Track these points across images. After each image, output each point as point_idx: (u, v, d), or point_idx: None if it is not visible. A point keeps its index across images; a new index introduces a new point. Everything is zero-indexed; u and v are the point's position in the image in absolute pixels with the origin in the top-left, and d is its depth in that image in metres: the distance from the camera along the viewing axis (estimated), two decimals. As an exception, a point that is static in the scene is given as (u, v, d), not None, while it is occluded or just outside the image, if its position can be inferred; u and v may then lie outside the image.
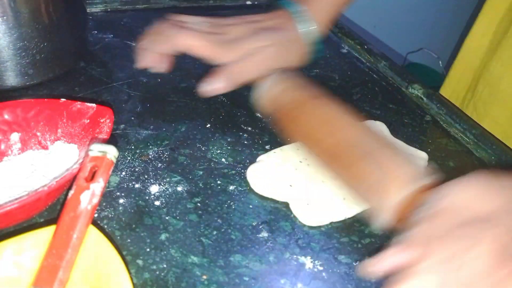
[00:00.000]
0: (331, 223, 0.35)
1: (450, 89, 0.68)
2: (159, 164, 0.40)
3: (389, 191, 0.31)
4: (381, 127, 0.46)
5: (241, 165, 0.40)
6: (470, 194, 0.27)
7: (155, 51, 0.46)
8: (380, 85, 0.56)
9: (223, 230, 0.34)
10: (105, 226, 0.33)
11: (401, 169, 0.32)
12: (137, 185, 0.37)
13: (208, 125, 0.45)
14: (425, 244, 0.25)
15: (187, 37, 0.45)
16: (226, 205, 0.36)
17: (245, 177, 0.39)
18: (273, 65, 0.46)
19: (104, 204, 0.35)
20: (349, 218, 0.36)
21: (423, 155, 0.43)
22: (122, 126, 0.44)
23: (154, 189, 0.37)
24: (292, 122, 0.40)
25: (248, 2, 0.79)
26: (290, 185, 0.37)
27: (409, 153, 0.42)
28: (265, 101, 0.43)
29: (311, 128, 0.38)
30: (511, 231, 0.25)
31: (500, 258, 0.24)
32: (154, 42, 0.46)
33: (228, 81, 0.45)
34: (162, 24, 0.47)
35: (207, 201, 0.36)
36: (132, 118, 0.45)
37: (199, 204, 0.36)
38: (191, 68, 0.56)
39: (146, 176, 0.38)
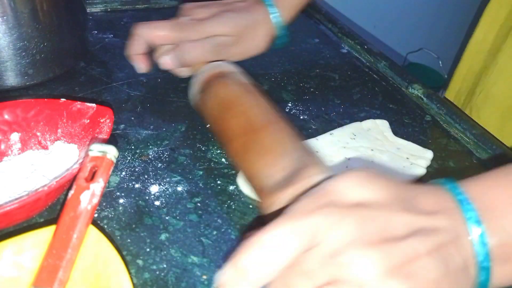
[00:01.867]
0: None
1: (454, 92, 0.68)
2: (159, 164, 0.40)
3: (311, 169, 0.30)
4: (381, 127, 0.46)
5: (241, 165, 0.40)
6: (353, 181, 0.25)
7: (136, 53, 0.48)
8: (380, 85, 0.56)
9: (223, 230, 0.34)
10: (105, 226, 0.33)
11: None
12: (137, 185, 0.37)
13: (208, 125, 0.45)
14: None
15: (150, 29, 0.46)
16: (226, 205, 0.36)
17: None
18: (226, 53, 0.47)
19: (104, 204, 0.35)
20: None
21: (428, 155, 0.43)
22: (122, 126, 0.44)
23: (154, 189, 0.37)
24: (219, 92, 0.40)
25: (248, 2, 0.79)
26: None
27: (413, 152, 0.43)
28: (195, 90, 0.43)
29: (236, 100, 0.38)
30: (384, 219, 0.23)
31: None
32: (131, 45, 0.48)
33: (175, 58, 0.46)
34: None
35: (207, 201, 0.36)
36: (132, 118, 0.46)
37: (199, 204, 0.36)
38: (191, 68, 0.56)
39: (146, 176, 0.38)
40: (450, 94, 0.69)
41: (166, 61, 0.47)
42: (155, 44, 0.47)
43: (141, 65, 0.49)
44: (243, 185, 0.37)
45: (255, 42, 0.50)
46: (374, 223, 0.23)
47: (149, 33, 0.46)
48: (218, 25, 0.46)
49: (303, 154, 0.32)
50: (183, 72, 0.49)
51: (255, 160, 0.33)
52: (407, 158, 0.41)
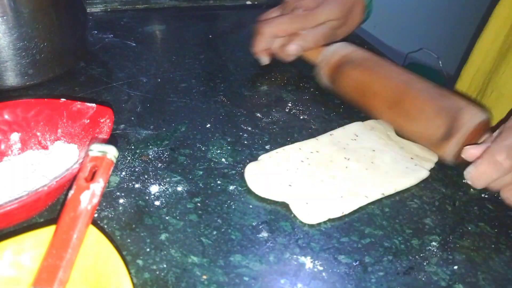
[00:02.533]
0: (329, 220, 0.35)
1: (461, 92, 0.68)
2: (159, 164, 0.40)
3: (465, 114, 0.39)
4: (385, 126, 0.45)
5: (241, 165, 0.40)
6: None
7: (262, 49, 0.55)
8: (380, 85, 0.56)
9: (223, 230, 0.34)
10: (105, 226, 0.33)
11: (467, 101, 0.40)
12: (137, 185, 0.37)
13: (208, 125, 0.45)
14: None
15: (275, 25, 0.53)
16: (226, 205, 0.36)
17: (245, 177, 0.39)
18: (335, 35, 0.56)
19: (104, 204, 0.35)
20: (348, 218, 0.36)
21: (434, 158, 0.42)
22: (122, 126, 0.44)
23: (154, 189, 0.37)
24: (350, 79, 0.48)
25: (248, 2, 0.79)
26: (290, 185, 0.37)
27: (417, 152, 0.42)
28: (328, 66, 0.50)
29: (369, 82, 0.46)
30: None
31: None
32: (258, 43, 0.55)
33: (299, 46, 0.53)
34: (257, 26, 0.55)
35: (207, 201, 0.36)
36: (132, 118, 0.46)
37: (199, 204, 0.36)
38: (191, 68, 0.56)
39: (146, 176, 0.38)
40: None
41: (294, 49, 0.53)
42: (278, 37, 0.54)
43: (266, 59, 0.56)
44: (251, 182, 0.37)
45: (356, 19, 0.58)
46: None
47: (274, 29, 0.53)
48: (329, 13, 0.53)
49: (450, 104, 0.40)
50: (292, 58, 0.55)
51: (410, 127, 0.43)
52: (412, 158, 0.41)
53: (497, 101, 0.60)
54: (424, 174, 0.40)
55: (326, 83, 0.52)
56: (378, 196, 0.37)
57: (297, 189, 0.37)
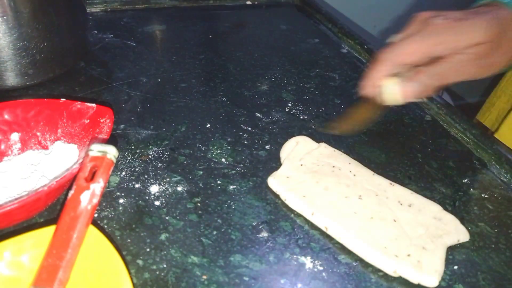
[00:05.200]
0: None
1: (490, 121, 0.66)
2: (159, 164, 0.40)
3: None
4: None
5: (241, 165, 0.40)
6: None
7: (373, 83, 0.40)
8: (380, 85, 0.56)
9: (223, 230, 0.34)
10: (105, 226, 0.33)
11: None
12: (137, 185, 0.37)
13: (208, 125, 0.45)
14: None
15: (390, 53, 0.38)
16: (226, 205, 0.36)
17: (245, 177, 0.39)
18: (482, 66, 0.38)
19: (104, 204, 0.35)
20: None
21: (435, 208, 0.36)
22: (122, 126, 0.44)
23: (154, 189, 0.37)
24: None
25: (248, 2, 0.79)
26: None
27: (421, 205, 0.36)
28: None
29: None
30: None
31: None
32: (372, 73, 0.40)
33: (424, 85, 0.38)
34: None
35: (207, 201, 0.36)
36: (132, 118, 0.46)
37: (199, 204, 0.36)
38: (191, 68, 0.56)
39: (146, 176, 0.38)
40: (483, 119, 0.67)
41: (413, 91, 0.38)
42: (406, 64, 0.38)
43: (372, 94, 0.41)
44: (274, 184, 0.37)
45: (505, 50, 0.38)
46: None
47: (401, 53, 0.37)
48: (480, 31, 0.36)
49: None
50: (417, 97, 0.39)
51: None
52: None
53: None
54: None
55: None
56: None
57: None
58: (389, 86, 0.39)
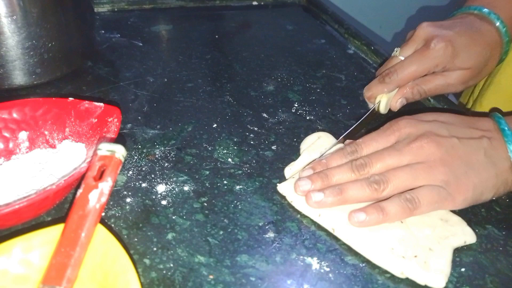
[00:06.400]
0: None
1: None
2: (166, 164, 0.40)
3: None
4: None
5: (247, 165, 0.40)
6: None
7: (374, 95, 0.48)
8: (387, 86, 0.55)
9: (229, 230, 0.34)
10: (112, 225, 0.33)
11: None
12: (144, 185, 0.37)
13: (215, 125, 0.45)
14: None
15: (395, 75, 0.47)
16: (232, 205, 0.36)
17: (252, 177, 0.39)
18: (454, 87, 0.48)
19: (111, 203, 0.35)
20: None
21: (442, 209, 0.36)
22: (129, 125, 0.44)
23: (161, 188, 0.37)
24: None
25: (254, 3, 0.79)
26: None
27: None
28: None
29: None
30: None
31: None
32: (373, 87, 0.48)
33: (412, 98, 0.49)
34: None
35: (213, 201, 0.36)
36: (139, 117, 0.46)
37: (205, 204, 0.36)
38: (197, 68, 0.56)
39: (153, 176, 0.38)
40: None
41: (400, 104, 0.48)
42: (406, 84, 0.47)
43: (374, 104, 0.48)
44: (284, 190, 0.37)
45: (489, 69, 0.48)
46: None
47: (402, 76, 0.46)
48: (465, 61, 0.45)
49: None
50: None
51: None
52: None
53: (493, 90, 0.60)
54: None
55: None
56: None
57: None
58: (383, 100, 0.47)
